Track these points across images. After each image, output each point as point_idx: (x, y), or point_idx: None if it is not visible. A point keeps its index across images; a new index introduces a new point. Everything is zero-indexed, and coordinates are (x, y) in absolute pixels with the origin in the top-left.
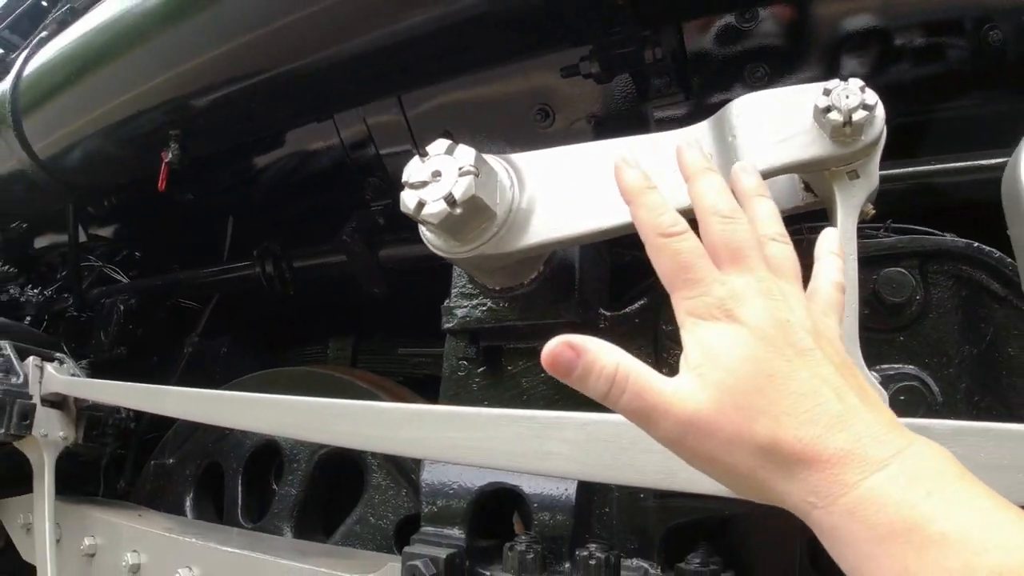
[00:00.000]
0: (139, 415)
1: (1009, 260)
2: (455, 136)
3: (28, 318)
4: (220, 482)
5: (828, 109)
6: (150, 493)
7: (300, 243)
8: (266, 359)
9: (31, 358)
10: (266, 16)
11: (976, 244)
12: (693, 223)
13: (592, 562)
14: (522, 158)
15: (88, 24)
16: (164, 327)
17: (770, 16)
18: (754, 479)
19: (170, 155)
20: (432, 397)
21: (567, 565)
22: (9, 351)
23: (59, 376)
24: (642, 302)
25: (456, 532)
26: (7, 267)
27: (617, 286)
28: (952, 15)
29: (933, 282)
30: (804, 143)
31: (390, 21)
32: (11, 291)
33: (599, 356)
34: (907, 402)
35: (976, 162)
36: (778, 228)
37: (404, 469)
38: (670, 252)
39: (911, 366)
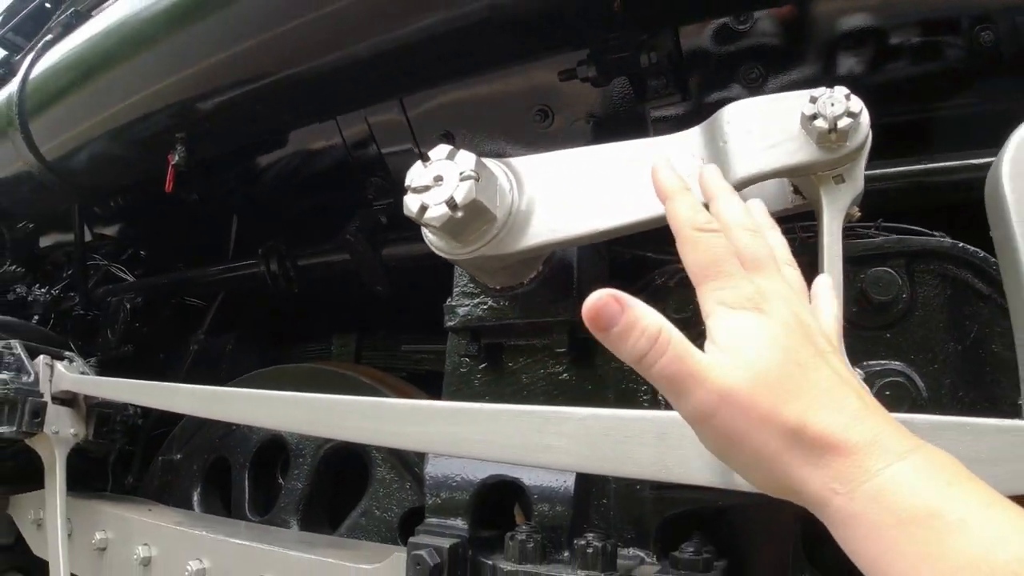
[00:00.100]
0: (146, 412)
1: (993, 260)
2: (455, 135)
3: (36, 317)
4: (227, 477)
5: (814, 116)
6: (158, 488)
7: (304, 242)
8: (271, 356)
9: (41, 357)
10: (271, 20)
11: (961, 244)
12: None
13: (590, 551)
14: (521, 162)
15: (94, 28)
16: (170, 325)
17: (764, 18)
18: (777, 462)
19: (176, 157)
20: (434, 393)
21: (566, 554)
22: (19, 350)
23: (69, 374)
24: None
25: (459, 523)
26: (14, 267)
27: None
28: (944, 16)
29: (919, 281)
30: (792, 149)
31: (394, 26)
32: (18, 290)
33: (644, 314)
34: (892, 397)
35: (968, 161)
36: (790, 256)
37: (408, 463)
38: (705, 245)
39: (897, 362)
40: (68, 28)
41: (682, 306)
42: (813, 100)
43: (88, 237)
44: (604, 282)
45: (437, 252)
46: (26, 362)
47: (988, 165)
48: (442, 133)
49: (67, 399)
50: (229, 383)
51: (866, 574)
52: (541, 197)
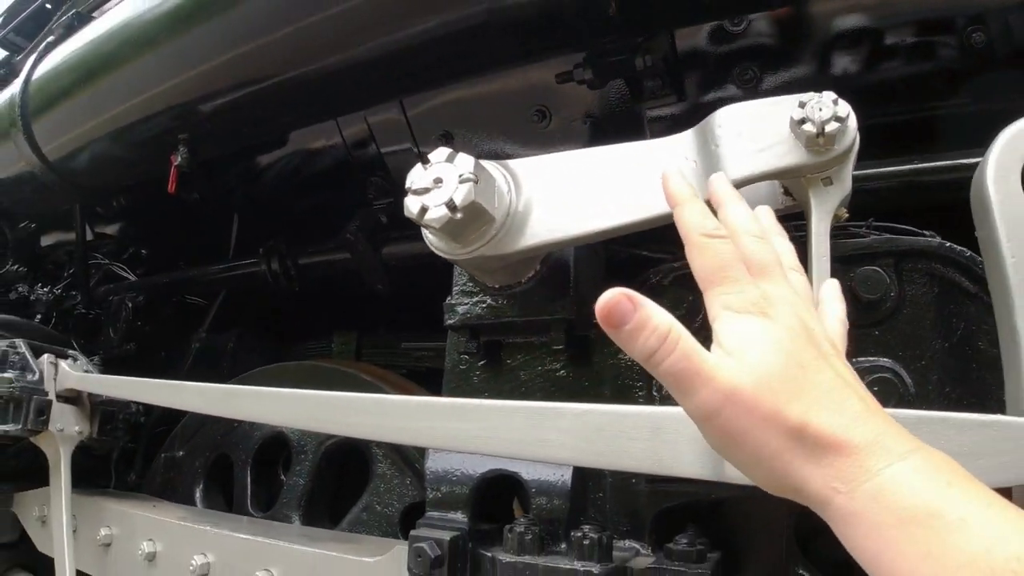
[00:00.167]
0: (148, 409)
1: (979, 259)
2: (454, 135)
3: (38, 316)
4: (229, 474)
5: (803, 121)
6: (161, 485)
7: (305, 241)
8: (272, 354)
9: (45, 355)
10: (274, 23)
11: (948, 244)
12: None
13: (586, 542)
14: (519, 164)
15: (98, 29)
16: (172, 323)
17: (759, 19)
18: (779, 461)
19: (179, 158)
20: (434, 390)
21: (563, 545)
22: (24, 349)
23: (74, 372)
24: None
25: (459, 516)
26: (16, 266)
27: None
28: (936, 18)
29: (907, 279)
30: (781, 152)
31: (395, 29)
32: (20, 289)
33: (655, 313)
34: (881, 393)
35: (958, 161)
36: (797, 262)
37: (408, 458)
38: (713, 251)
39: (886, 359)
40: (70, 29)
41: (677, 304)
42: (802, 105)
43: (89, 236)
44: (600, 281)
45: (437, 252)
46: (31, 361)
47: (977, 165)
48: (441, 133)
49: (71, 397)
50: (231, 381)
51: (868, 572)
52: (538, 198)
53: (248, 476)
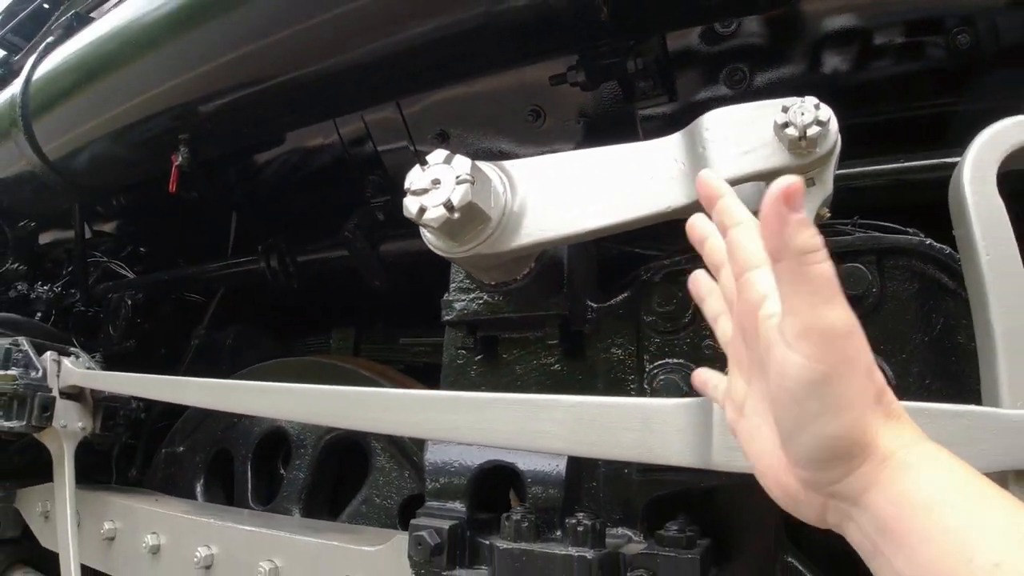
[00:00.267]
0: (149, 406)
1: (958, 256)
2: (450, 134)
3: (38, 314)
4: (229, 469)
5: (786, 125)
6: (162, 480)
7: (303, 238)
8: (271, 350)
9: (48, 353)
10: (274, 25)
11: (928, 241)
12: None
13: (580, 529)
14: (514, 165)
15: (98, 30)
16: (171, 320)
17: (748, 21)
18: (858, 411)
19: (180, 158)
20: (431, 385)
21: (558, 533)
22: (27, 346)
23: (77, 369)
24: (626, 294)
25: (458, 506)
26: (16, 264)
27: (604, 279)
28: (922, 19)
29: (889, 276)
30: (765, 155)
31: (394, 31)
32: (20, 288)
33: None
34: None
35: (941, 160)
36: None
37: (406, 451)
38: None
39: None
40: (70, 30)
41: (667, 300)
42: (785, 109)
43: (88, 234)
44: (593, 277)
45: (435, 251)
46: (34, 358)
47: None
48: (437, 132)
49: (74, 394)
50: (230, 377)
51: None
52: (533, 198)
53: (248, 471)
